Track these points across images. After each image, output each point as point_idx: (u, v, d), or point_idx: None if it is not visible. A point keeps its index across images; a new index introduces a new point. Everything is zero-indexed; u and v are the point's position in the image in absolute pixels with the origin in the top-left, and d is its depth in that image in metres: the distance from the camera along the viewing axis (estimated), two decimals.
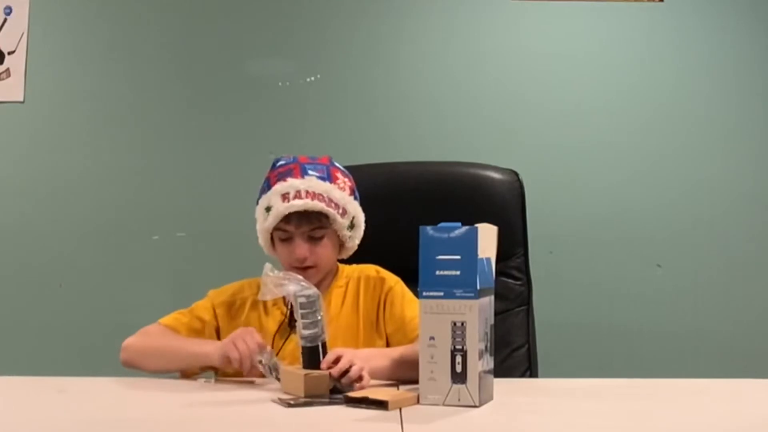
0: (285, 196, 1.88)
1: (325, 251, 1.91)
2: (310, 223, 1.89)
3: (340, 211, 1.91)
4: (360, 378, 1.63)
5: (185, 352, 1.84)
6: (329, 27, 3.17)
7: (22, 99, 3.15)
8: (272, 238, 1.94)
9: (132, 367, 1.86)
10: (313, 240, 1.90)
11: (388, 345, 1.91)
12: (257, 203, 1.95)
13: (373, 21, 3.17)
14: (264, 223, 1.91)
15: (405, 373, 1.70)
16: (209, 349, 1.79)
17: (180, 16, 3.17)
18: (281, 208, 1.87)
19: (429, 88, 3.15)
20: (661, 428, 1.45)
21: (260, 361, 1.71)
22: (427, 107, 3.14)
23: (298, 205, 1.86)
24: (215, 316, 1.91)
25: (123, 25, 3.17)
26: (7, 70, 3.14)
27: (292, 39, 3.16)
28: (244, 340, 1.72)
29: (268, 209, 1.90)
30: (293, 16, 3.16)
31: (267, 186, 1.93)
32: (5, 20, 3.15)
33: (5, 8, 3.15)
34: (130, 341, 1.88)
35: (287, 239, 1.90)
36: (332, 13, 3.16)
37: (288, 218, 1.88)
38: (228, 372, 1.89)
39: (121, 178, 3.14)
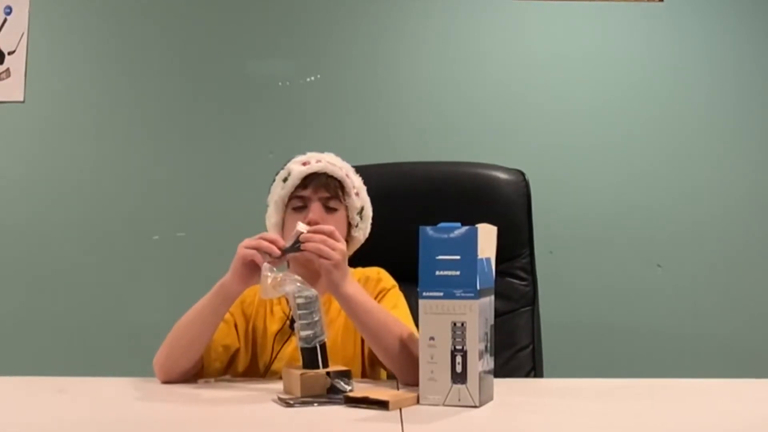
0: (305, 163, 1.90)
1: (337, 225, 1.88)
2: (328, 190, 1.88)
3: (355, 191, 1.93)
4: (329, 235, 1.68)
5: (204, 306, 1.75)
6: (329, 27, 3.17)
7: (22, 99, 3.15)
8: (284, 226, 1.92)
9: (171, 377, 1.77)
10: (328, 210, 1.89)
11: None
12: (270, 191, 1.94)
13: (374, 21, 3.17)
14: (281, 192, 1.89)
15: (377, 331, 1.71)
16: (223, 280, 1.73)
17: (180, 16, 3.17)
18: (302, 170, 1.88)
19: (429, 88, 3.15)
20: (661, 428, 1.45)
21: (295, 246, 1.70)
22: (427, 107, 3.15)
23: (318, 166, 1.88)
24: (232, 314, 1.90)
25: (123, 25, 3.17)
26: (7, 70, 3.14)
27: (292, 39, 3.16)
28: (249, 242, 1.70)
29: (285, 179, 1.89)
30: (293, 16, 3.16)
31: (284, 166, 1.93)
32: (5, 20, 3.15)
33: (5, 8, 3.15)
34: (156, 357, 1.80)
35: (302, 208, 1.88)
36: (332, 13, 3.17)
37: (306, 184, 1.88)
38: (239, 366, 1.89)
39: (121, 179, 3.15)
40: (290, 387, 1.63)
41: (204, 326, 1.78)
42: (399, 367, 1.71)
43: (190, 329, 1.77)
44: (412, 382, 1.66)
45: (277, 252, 1.69)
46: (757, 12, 3.14)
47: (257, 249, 1.69)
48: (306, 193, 1.88)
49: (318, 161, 1.90)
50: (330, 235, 1.71)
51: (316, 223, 1.83)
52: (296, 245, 1.71)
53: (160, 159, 3.15)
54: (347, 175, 1.92)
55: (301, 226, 1.73)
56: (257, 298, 1.91)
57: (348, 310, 1.74)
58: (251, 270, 1.70)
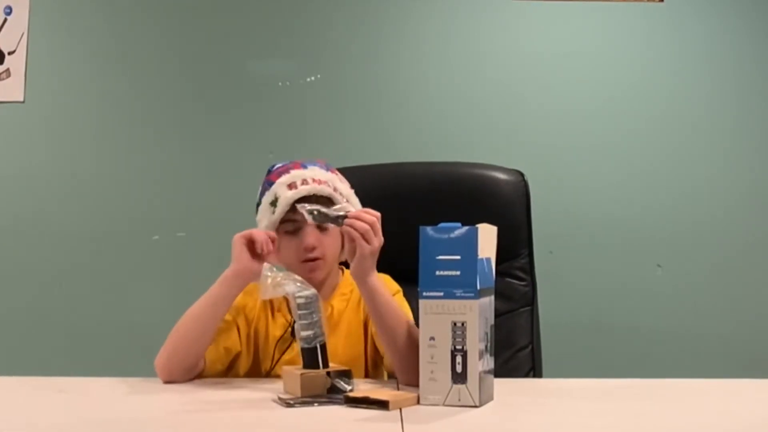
0: (291, 185, 1.86)
1: (333, 242, 1.89)
2: None
3: (345, 201, 1.90)
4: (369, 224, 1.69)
5: (214, 295, 1.77)
6: (329, 27, 3.17)
7: (22, 99, 3.15)
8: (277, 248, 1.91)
9: (175, 375, 1.76)
10: (320, 229, 1.87)
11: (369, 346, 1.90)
12: (257, 207, 1.92)
13: (374, 21, 3.17)
14: (271, 217, 1.87)
15: (393, 327, 1.72)
16: (225, 273, 1.77)
17: (180, 16, 3.17)
18: (288, 195, 1.85)
19: (428, 88, 3.15)
20: (661, 428, 1.45)
21: (312, 213, 1.74)
22: (427, 107, 3.15)
23: (305, 190, 1.85)
24: (234, 318, 1.89)
25: (123, 25, 3.17)
26: (7, 70, 3.14)
27: (292, 39, 3.16)
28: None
29: (273, 203, 1.87)
30: (293, 16, 3.16)
31: (268, 185, 1.91)
32: (5, 20, 3.15)
33: (5, 8, 3.15)
34: (158, 358, 1.80)
35: (294, 231, 1.88)
36: (332, 12, 3.17)
37: (295, 208, 1.85)
38: (240, 370, 1.89)
39: (121, 178, 3.15)
40: (290, 387, 1.63)
41: (212, 318, 1.78)
42: (404, 365, 1.70)
43: (198, 323, 1.77)
44: (413, 383, 1.66)
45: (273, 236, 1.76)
46: (757, 12, 3.14)
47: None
48: (297, 216, 1.85)
49: (303, 182, 1.86)
50: (377, 221, 1.72)
51: (314, 248, 1.85)
52: (340, 219, 1.71)
53: (160, 159, 3.15)
54: (335, 189, 1.89)
55: (351, 206, 1.76)
56: (258, 303, 1.91)
57: (369, 300, 1.74)
58: (252, 250, 1.75)
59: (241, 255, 1.75)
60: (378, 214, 1.73)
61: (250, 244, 1.74)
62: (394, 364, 1.75)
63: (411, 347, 1.68)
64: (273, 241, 1.77)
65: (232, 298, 1.79)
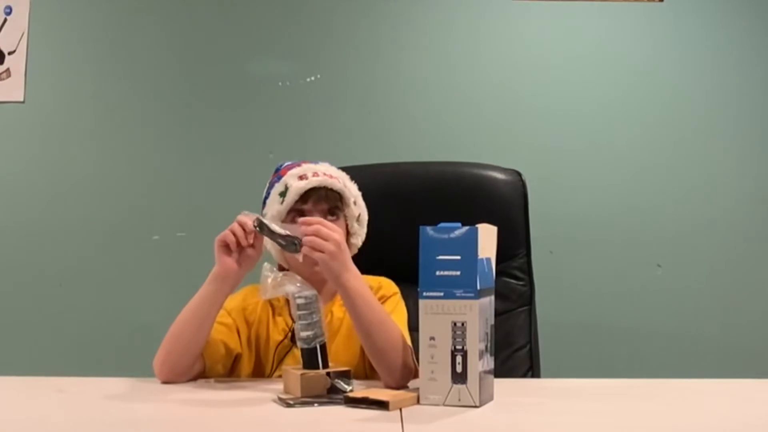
0: (302, 177, 1.86)
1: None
2: (329, 202, 1.86)
3: (353, 200, 1.91)
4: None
5: (201, 297, 1.78)
6: (329, 27, 3.17)
7: (22, 99, 3.15)
8: None
9: (173, 376, 1.76)
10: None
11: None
12: (264, 202, 1.92)
13: (374, 20, 3.17)
14: (279, 207, 1.85)
15: (369, 324, 1.70)
16: (212, 271, 1.78)
17: (180, 16, 3.17)
18: (300, 185, 1.84)
19: (429, 88, 3.15)
20: (661, 428, 1.45)
21: (255, 226, 1.73)
22: (426, 107, 3.15)
23: (317, 181, 1.85)
24: (234, 320, 1.89)
25: (123, 25, 3.17)
26: (7, 70, 3.14)
27: (292, 39, 3.16)
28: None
29: (283, 193, 1.86)
30: (293, 16, 3.16)
31: (277, 179, 1.90)
32: (5, 20, 3.15)
33: (5, 8, 3.15)
34: (155, 359, 1.80)
35: None
36: (332, 12, 3.17)
37: (305, 198, 1.85)
38: (242, 373, 1.89)
39: (121, 178, 3.15)
40: (290, 387, 1.63)
41: (204, 318, 1.78)
42: (385, 367, 1.70)
43: (190, 323, 1.77)
44: (395, 385, 1.66)
45: (250, 228, 1.74)
46: (758, 11, 3.14)
47: (232, 232, 1.75)
48: (306, 207, 1.86)
49: (315, 174, 1.86)
50: (320, 228, 1.70)
51: None
52: (284, 239, 1.71)
53: (159, 159, 3.15)
54: (345, 186, 1.90)
55: (297, 229, 1.73)
56: (259, 306, 1.91)
57: (346, 300, 1.72)
58: (228, 251, 1.76)
59: (219, 257, 1.77)
60: (318, 220, 1.72)
61: (226, 245, 1.75)
62: (376, 363, 1.73)
63: (392, 349, 1.68)
64: (249, 233, 1.75)
65: (223, 295, 1.79)
